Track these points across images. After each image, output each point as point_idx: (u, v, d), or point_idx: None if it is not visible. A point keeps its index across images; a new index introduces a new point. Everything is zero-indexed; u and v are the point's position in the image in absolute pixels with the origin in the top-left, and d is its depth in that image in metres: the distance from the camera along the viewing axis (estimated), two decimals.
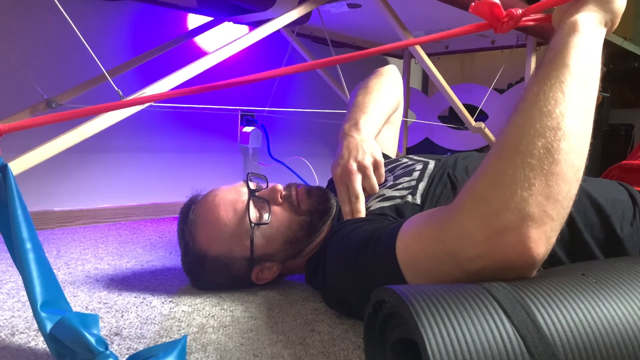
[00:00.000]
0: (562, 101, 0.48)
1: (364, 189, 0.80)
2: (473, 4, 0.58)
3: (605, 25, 0.57)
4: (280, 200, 0.83)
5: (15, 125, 0.50)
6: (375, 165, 0.82)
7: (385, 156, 0.99)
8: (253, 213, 0.80)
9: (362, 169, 0.80)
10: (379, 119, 0.91)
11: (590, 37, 0.53)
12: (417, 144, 2.22)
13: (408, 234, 0.55)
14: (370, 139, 0.84)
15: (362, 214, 0.77)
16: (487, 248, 0.44)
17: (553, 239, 0.45)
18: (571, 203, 0.46)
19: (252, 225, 0.79)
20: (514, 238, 0.43)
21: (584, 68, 0.50)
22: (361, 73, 2.27)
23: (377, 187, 0.81)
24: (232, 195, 0.82)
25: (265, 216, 0.80)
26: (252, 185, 0.84)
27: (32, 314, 0.58)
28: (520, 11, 0.57)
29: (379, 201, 0.77)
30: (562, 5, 0.58)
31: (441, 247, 0.48)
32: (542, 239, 0.44)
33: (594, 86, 0.51)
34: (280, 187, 0.84)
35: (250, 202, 0.81)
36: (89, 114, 0.54)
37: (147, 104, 0.97)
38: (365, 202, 0.79)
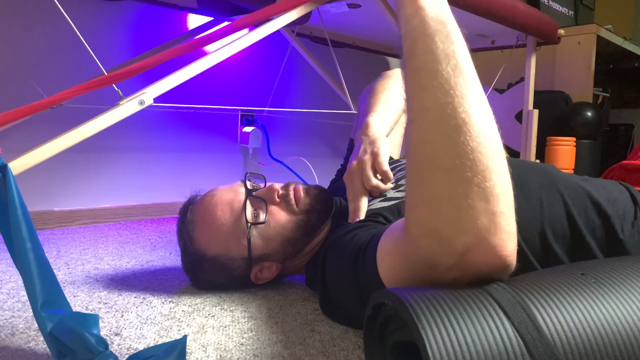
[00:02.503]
0: (446, 94, 0.44)
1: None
2: None
3: None
4: (277, 199, 0.82)
5: (4, 119, 0.50)
6: (374, 156, 0.79)
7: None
8: (249, 212, 0.80)
9: (360, 164, 0.80)
10: (389, 116, 0.91)
11: (435, 6, 0.48)
12: None
13: (385, 265, 0.54)
14: (375, 135, 0.83)
15: (362, 212, 0.76)
16: (461, 270, 0.44)
17: (514, 227, 0.44)
18: (509, 183, 0.44)
19: (249, 224, 0.79)
20: (480, 254, 0.42)
21: (447, 43, 0.45)
22: (361, 73, 2.26)
23: (372, 179, 0.78)
24: (229, 195, 0.82)
25: (262, 216, 0.80)
26: (250, 185, 0.84)
27: (32, 314, 0.58)
28: None
29: (381, 201, 0.77)
30: None
31: (420, 277, 0.48)
32: (504, 239, 0.43)
33: (465, 55, 0.46)
34: (277, 186, 0.84)
35: (247, 202, 0.81)
36: (75, 94, 0.53)
37: (147, 104, 0.97)
38: (369, 201, 0.79)
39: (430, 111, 0.44)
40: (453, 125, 0.43)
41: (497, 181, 0.43)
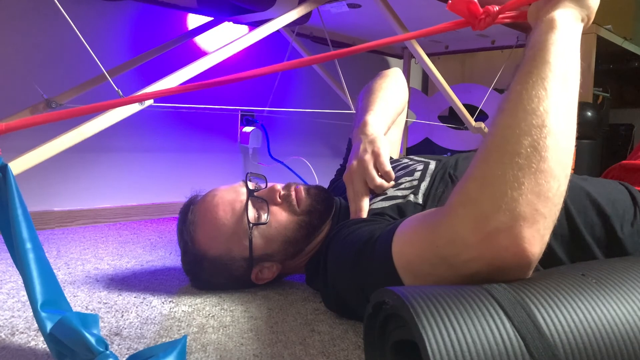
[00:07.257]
0: (545, 98, 0.48)
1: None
2: (450, 1, 0.58)
3: (582, 20, 0.57)
4: (278, 200, 0.82)
5: (13, 125, 0.50)
6: (375, 156, 0.80)
7: None
8: (251, 213, 0.80)
9: (362, 164, 0.80)
10: (387, 114, 0.91)
11: (568, 34, 0.53)
12: (417, 144, 2.22)
13: (402, 239, 0.55)
14: (374, 134, 0.83)
15: (363, 211, 0.76)
16: (481, 251, 0.44)
17: (547, 237, 0.45)
18: (562, 199, 0.46)
19: (251, 225, 0.79)
20: (507, 239, 0.43)
21: (564, 64, 0.51)
22: (361, 73, 2.26)
23: (376, 179, 0.78)
24: (231, 196, 0.82)
25: (264, 216, 0.80)
26: (251, 185, 0.84)
27: (32, 314, 0.57)
28: (497, 8, 0.57)
29: (381, 200, 0.77)
30: (537, 2, 0.58)
31: (435, 252, 0.48)
32: (536, 238, 0.44)
33: (575, 81, 0.51)
34: (278, 186, 0.84)
35: (249, 202, 0.81)
36: (88, 112, 0.54)
37: (147, 104, 0.97)
38: (370, 200, 0.79)
39: (525, 104, 0.48)
40: (540, 122, 0.46)
41: (554, 188, 0.45)
